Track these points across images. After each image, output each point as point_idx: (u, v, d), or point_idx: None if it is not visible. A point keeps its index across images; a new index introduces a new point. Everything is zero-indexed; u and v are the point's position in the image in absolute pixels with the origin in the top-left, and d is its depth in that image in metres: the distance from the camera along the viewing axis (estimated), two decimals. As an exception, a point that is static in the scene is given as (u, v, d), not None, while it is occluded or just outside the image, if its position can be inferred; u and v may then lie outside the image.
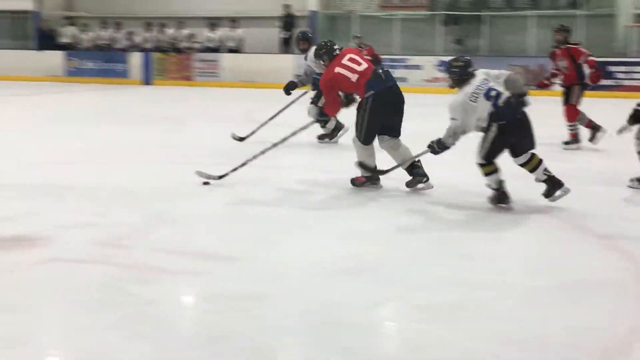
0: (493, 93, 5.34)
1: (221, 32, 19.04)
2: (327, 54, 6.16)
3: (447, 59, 6.16)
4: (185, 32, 19.12)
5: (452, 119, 5.42)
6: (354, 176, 6.16)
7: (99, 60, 19.51)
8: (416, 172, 5.97)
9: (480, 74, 5.48)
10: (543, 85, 8.81)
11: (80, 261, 4.12)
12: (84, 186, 5.40)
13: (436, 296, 3.68)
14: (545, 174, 5.46)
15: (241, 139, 8.22)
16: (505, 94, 5.36)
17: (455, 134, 5.44)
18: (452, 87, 5.61)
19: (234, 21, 19.07)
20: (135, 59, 19.07)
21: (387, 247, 4.58)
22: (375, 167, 6.08)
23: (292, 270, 4.10)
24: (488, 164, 5.40)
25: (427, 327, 3.30)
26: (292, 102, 8.56)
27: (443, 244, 4.68)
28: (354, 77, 5.95)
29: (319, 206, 5.69)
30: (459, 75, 5.48)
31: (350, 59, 6.07)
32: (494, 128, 5.29)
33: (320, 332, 3.25)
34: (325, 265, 4.14)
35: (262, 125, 8.31)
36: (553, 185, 5.46)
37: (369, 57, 14.85)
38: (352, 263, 4.21)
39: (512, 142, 5.39)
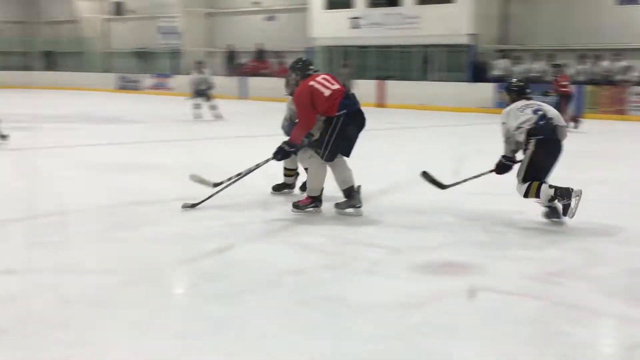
0: (540, 112, 5.74)
1: (662, 64, 17.86)
2: (301, 70, 6.19)
3: None
4: (622, 64, 18.31)
5: (503, 123, 5.89)
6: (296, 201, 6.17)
7: (529, 93, 19.63)
8: (354, 197, 6.00)
9: (536, 102, 5.95)
10: None
11: (511, 293, 4.15)
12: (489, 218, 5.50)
13: None
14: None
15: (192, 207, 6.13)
16: (550, 120, 5.73)
17: (507, 139, 5.84)
18: (508, 104, 6.06)
19: (677, 52, 17.76)
20: (568, 92, 18.78)
21: None
22: (322, 190, 6.10)
23: None
24: (529, 186, 5.63)
25: None
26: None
27: None
28: (327, 92, 5.96)
29: None
30: (517, 93, 6.00)
31: (324, 79, 6.10)
32: (532, 142, 5.66)
33: None
34: None
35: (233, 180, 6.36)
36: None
37: (565, 83, 13.71)
38: None
39: (551, 161, 5.70)
